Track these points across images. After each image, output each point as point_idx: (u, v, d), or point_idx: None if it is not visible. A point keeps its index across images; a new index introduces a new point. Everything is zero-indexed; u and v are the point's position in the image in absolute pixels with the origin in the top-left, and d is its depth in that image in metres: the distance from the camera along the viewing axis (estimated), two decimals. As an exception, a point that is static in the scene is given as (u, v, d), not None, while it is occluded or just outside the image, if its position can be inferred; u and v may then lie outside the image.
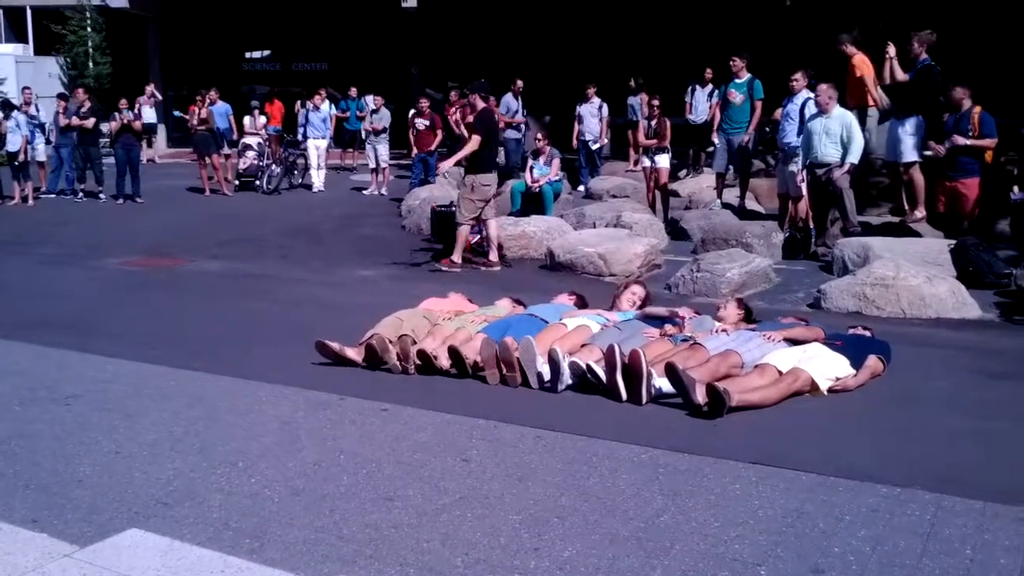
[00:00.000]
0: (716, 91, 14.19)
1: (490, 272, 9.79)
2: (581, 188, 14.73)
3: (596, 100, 15.53)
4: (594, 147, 15.57)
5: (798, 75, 10.77)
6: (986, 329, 7.26)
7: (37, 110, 16.78)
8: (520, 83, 16.07)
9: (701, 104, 14.80)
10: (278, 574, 3.31)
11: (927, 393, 5.58)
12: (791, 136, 10.68)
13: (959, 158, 9.47)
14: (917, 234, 9.97)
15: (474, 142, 9.79)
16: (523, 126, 16.39)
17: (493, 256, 9.99)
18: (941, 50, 10.39)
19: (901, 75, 10.16)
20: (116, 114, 15.97)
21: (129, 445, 4.73)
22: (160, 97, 22.47)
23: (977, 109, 9.46)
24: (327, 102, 17.89)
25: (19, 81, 21.77)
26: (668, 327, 6.22)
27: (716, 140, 12.43)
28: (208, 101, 17.38)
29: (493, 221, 10.05)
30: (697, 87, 14.95)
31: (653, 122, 12.98)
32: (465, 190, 9.88)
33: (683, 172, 15.11)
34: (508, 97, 15.88)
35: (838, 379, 5.51)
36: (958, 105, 9.55)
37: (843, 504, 3.92)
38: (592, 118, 15.41)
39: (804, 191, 10.47)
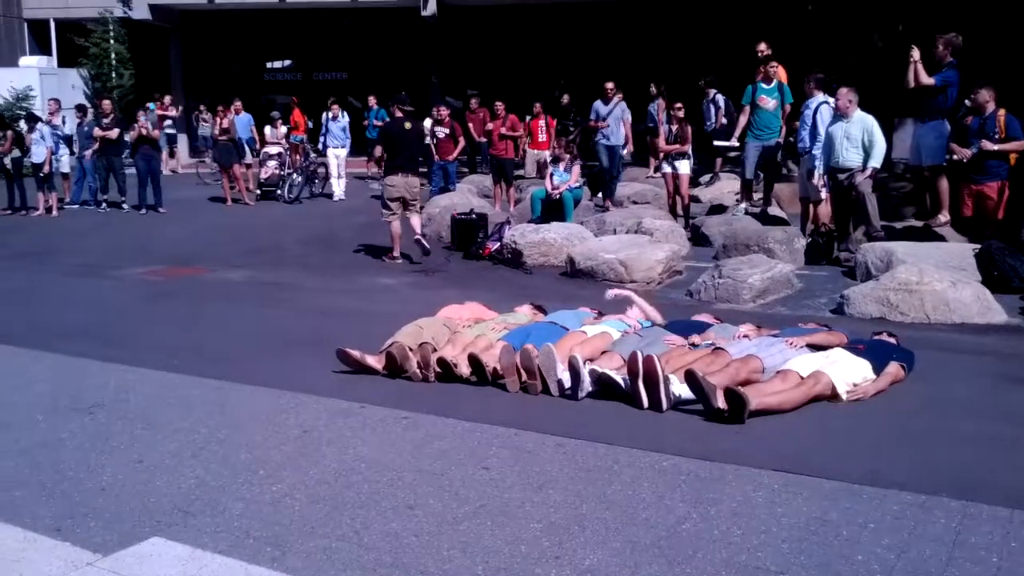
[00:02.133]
0: (718, 96, 14.18)
1: (394, 264, 10.92)
2: (600, 195, 14.54)
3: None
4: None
5: (810, 79, 10.77)
6: (1012, 334, 7.17)
7: (63, 122, 16.99)
8: (610, 85, 15.38)
9: (712, 113, 14.72)
10: (299, 582, 3.31)
11: (952, 399, 5.51)
12: (807, 140, 10.64)
13: (985, 161, 9.38)
14: (941, 238, 9.87)
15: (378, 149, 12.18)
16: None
17: (396, 252, 11.10)
18: (964, 52, 10.29)
19: (926, 79, 10.05)
20: (135, 124, 16.13)
21: (151, 454, 4.75)
22: (177, 112, 22.62)
23: (1002, 112, 9.37)
24: (344, 112, 17.96)
25: (43, 93, 22.04)
26: (694, 336, 6.19)
27: (723, 143, 12.36)
28: (233, 111, 17.51)
29: (415, 216, 11.22)
30: (705, 100, 14.82)
31: (675, 127, 12.93)
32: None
33: (704, 178, 15.05)
34: (598, 103, 15.51)
35: (858, 384, 5.46)
36: (983, 107, 9.45)
37: (867, 511, 3.88)
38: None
39: (824, 195, 10.41)
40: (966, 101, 10.15)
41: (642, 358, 5.31)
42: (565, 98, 17.11)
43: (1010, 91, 9.59)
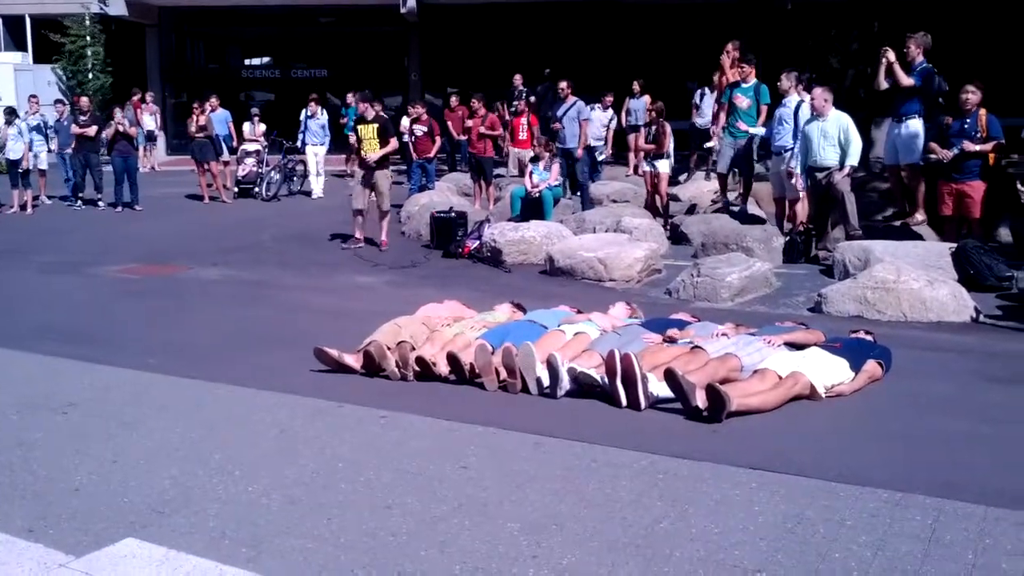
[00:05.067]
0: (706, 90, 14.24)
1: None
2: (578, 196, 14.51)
3: (610, 111, 15.63)
4: (600, 157, 15.62)
5: (783, 78, 10.84)
6: (987, 332, 7.23)
7: (43, 119, 16.80)
8: (563, 84, 15.08)
9: (708, 108, 14.75)
10: (275, 583, 3.28)
11: (928, 397, 5.55)
12: (784, 139, 10.68)
13: (966, 161, 9.42)
14: (919, 237, 9.94)
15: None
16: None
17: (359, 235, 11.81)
18: (938, 53, 10.36)
19: (906, 80, 10.09)
20: (111, 121, 15.98)
21: (126, 454, 4.70)
22: (157, 107, 22.45)
23: (984, 111, 9.40)
24: (323, 110, 17.87)
25: (18, 90, 21.79)
26: (671, 331, 6.20)
27: (715, 143, 12.38)
28: (210, 108, 17.39)
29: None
30: (706, 91, 14.90)
31: (653, 127, 12.97)
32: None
33: (683, 176, 15.10)
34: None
35: (836, 384, 5.49)
36: (965, 107, 9.48)
37: (844, 509, 3.90)
38: (600, 126, 15.45)
39: (801, 193, 10.46)
40: (939, 99, 10.22)
41: (620, 356, 5.31)
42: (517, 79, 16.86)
43: (989, 91, 9.62)
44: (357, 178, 12.07)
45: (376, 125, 11.74)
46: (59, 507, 4.04)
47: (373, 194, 11.72)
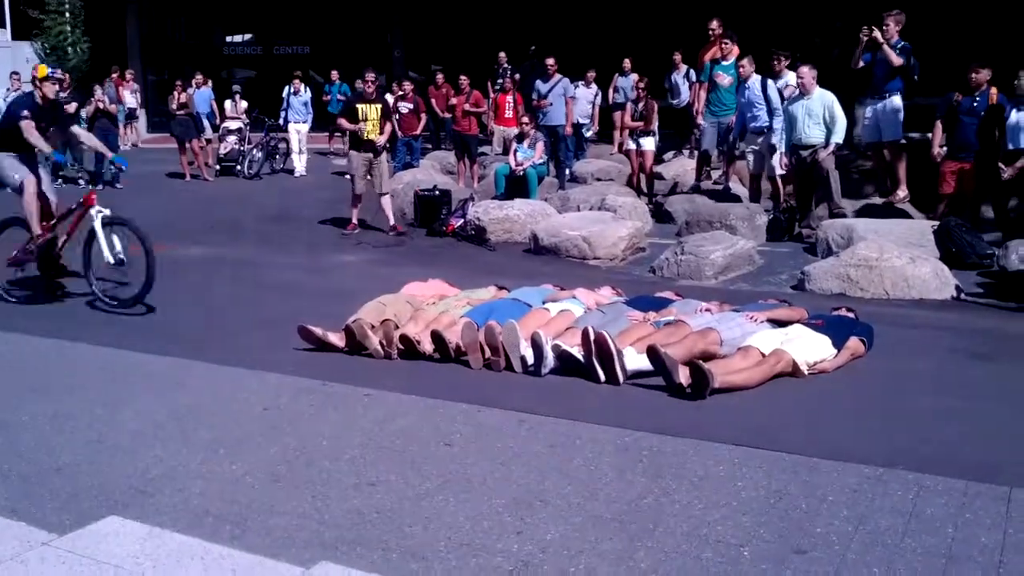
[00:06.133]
0: (691, 71, 14.12)
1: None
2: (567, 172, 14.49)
3: (594, 87, 15.52)
4: (587, 134, 15.56)
5: (745, 60, 10.87)
6: (969, 309, 7.29)
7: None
8: (551, 62, 14.52)
9: (682, 87, 14.68)
10: (260, 561, 3.27)
11: (910, 373, 5.59)
12: (761, 120, 10.66)
13: (973, 141, 9.41)
14: (904, 215, 9.98)
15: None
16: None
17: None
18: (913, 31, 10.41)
19: (897, 59, 10.10)
20: (91, 98, 15.80)
21: (110, 433, 4.69)
22: (138, 85, 22.21)
23: (994, 90, 9.33)
24: (306, 87, 17.73)
25: (-4, 66, 21.51)
26: (651, 313, 6.21)
27: (702, 122, 12.33)
28: (195, 85, 17.21)
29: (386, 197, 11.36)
30: (674, 73, 14.77)
31: (640, 104, 12.93)
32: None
33: (668, 155, 15.07)
34: (538, 81, 15.21)
35: (819, 361, 5.52)
36: (976, 85, 9.46)
37: (826, 485, 3.93)
38: (587, 103, 15.36)
39: (780, 171, 10.46)
40: (915, 77, 10.26)
41: (594, 335, 5.34)
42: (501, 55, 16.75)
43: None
44: (356, 162, 11.20)
45: (381, 106, 11.35)
46: (42, 487, 4.02)
47: (370, 177, 11.27)
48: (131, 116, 21.92)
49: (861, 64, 10.41)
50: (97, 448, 4.48)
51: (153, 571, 3.03)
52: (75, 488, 4.00)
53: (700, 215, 10.22)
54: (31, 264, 8.05)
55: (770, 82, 10.53)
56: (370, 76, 11.43)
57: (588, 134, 15.74)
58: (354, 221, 11.41)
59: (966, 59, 9.68)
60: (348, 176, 11.88)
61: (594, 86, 15.56)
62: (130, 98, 21.58)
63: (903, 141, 10.37)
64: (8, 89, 16.65)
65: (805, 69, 9.95)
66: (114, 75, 20.97)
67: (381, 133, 11.24)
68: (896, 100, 10.29)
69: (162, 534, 3.40)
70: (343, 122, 11.39)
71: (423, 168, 14.45)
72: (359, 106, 11.20)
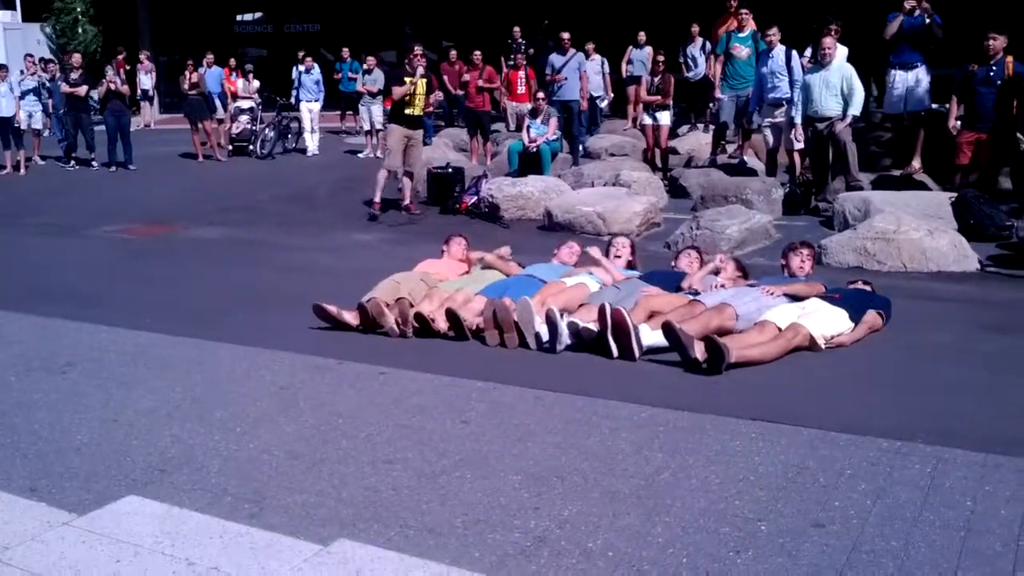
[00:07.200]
0: (707, 43, 13.97)
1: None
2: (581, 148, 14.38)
3: (597, 57, 15.32)
4: (602, 104, 15.46)
5: (773, 30, 10.66)
6: (987, 281, 7.22)
7: (40, 80, 16.60)
8: (566, 36, 14.34)
9: (699, 59, 14.51)
10: (278, 538, 3.28)
11: (928, 346, 5.55)
12: (782, 90, 10.53)
13: (990, 110, 9.31)
14: (920, 186, 9.89)
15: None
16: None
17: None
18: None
19: (938, 31, 10.09)
20: (103, 80, 15.79)
21: (126, 413, 4.71)
22: (152, 65, 22.17)
23: (1010, 59, 9.21)
24: (317, 65, 17.66)
25: (8, 48, 21.52)
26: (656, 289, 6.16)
27: (720, 95, 12.19)
28: (206, 65, 17.15)
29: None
30: (690, 46, 14.61)
31: (657, 78, 12.81)
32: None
33: (682, 129, 14.95)
34: (553, 55, 15.08)
35: (836, 335, 5.49)
36: (992, 53, 9.35)
37: (844, 458, 3.91)
38: (595, 75, 15.21)
39: (798, 144, 10.35)
40: (931, 47, 10.17)
41: (610, 311, 5.32)
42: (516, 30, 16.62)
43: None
44: (397, 135, 10.82)
45: (426, 80, 10.98)
46: (61, 466, 4.05)
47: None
48: (146, 97, 21.89)
49: (893, 32, 10.29)
50: (114, 428, 4.50)
51: (172, 550, 3.04)
52: (93, 467, 4.02)
53: (715, 189, 10.14)
54: None
55: (794, 53, 10.37)
56: (418, 50, 11.24)
57: (603, 105, 15.61)
58: (377, 199, 10.98)
59: (982, 29, 9.55)
60: (367, 153, 11.73)
61: (596, 56, 15.32)
62: (145, 79, 21.55)
63: (922, 113, 10.27)
64: (23, 72, 16.65)
65: (827, 40, 9.83)
66: (119, 57, 20.96)
67: (426, 108, 11.14)
68: (922, 71, 10.23)
69: (181, 513, 3.42)
70: (397, 89, 10.87)
71: (436, 145, 14.40)
72: (408, 80, 10.80)
